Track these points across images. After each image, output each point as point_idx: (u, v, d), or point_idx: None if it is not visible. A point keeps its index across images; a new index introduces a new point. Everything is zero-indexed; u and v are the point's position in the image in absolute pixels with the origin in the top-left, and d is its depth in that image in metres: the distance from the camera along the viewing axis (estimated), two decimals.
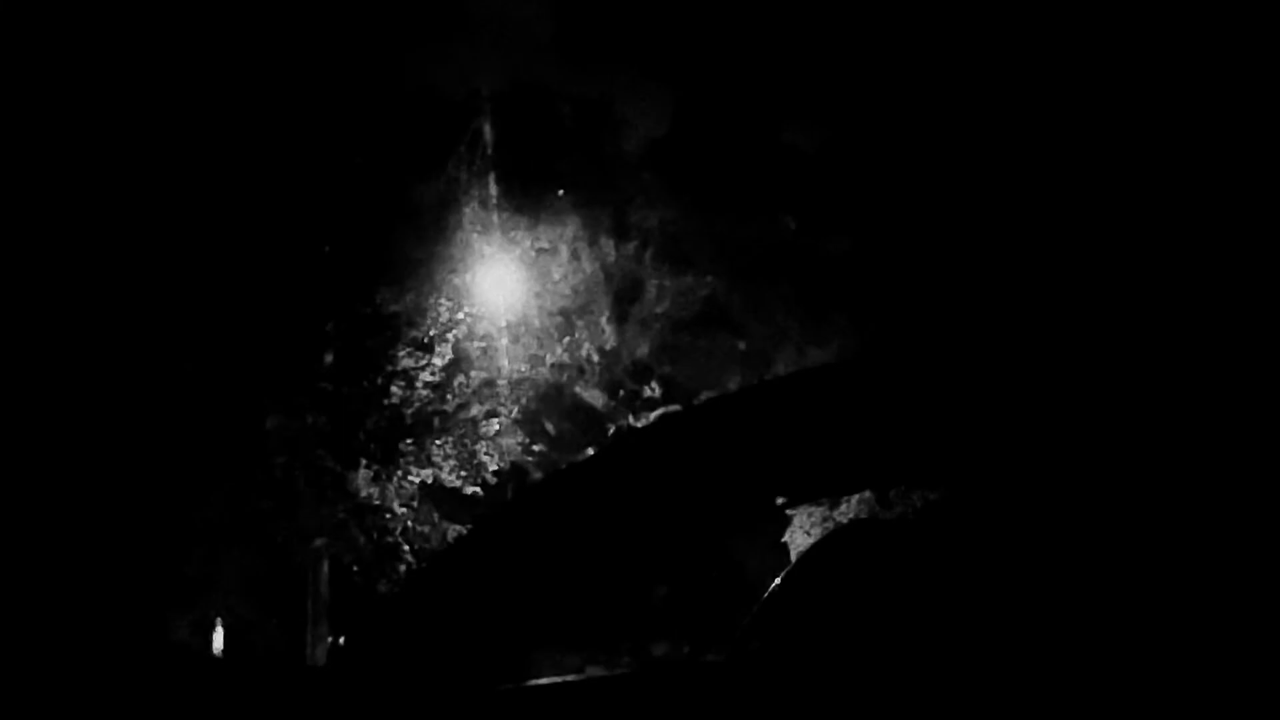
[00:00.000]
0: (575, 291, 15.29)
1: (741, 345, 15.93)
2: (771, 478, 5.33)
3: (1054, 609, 5.28)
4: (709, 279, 15.43)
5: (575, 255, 15.06)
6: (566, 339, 15.52)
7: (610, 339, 15.45)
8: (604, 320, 15.43)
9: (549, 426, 15.55)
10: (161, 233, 13.23)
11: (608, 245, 15.35)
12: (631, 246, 15.38)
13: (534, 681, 5.14)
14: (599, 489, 5.19)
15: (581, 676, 5.83)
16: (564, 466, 14.49)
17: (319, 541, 14.63)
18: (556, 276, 15.23)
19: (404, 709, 4.69)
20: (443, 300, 14.86)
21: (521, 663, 5.08)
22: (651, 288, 15.47)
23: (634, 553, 5.15)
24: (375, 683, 4.95)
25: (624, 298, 15.62)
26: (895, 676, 5.15)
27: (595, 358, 15.41)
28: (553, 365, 15.39)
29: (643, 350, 15.45)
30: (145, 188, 13.17)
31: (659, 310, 15.43)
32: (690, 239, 15.21)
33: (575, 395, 15.63)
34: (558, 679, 5.28)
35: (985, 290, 13.34)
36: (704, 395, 15.66)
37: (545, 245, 15.20)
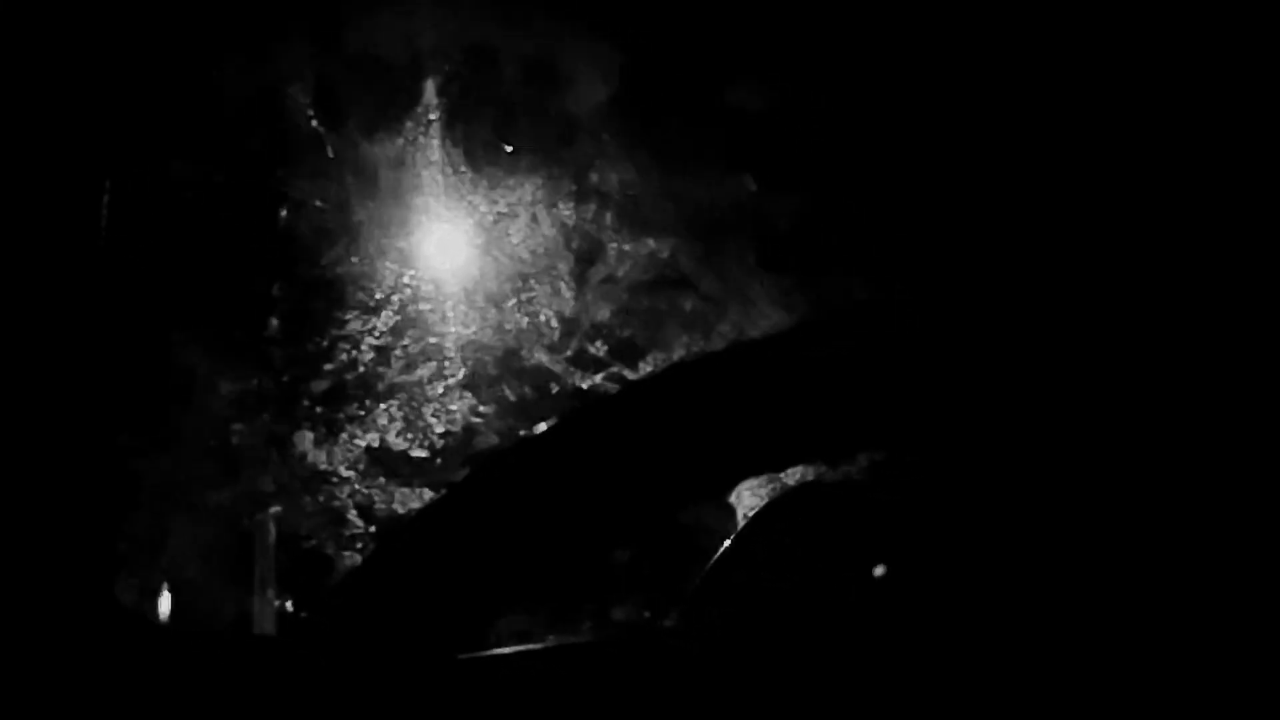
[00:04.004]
0: (533, 254, 15.20)
1: (688, 305, 15.87)
2: (739, 447, 5.28)
3: (1011, 572, 5.29)
4: (670, 240, 15.36)
5: (534, 219, 14.97)
6: (514, 301, 15.44)
7: (569, 303, 15.37)
8: (562, 284, 15.34)
9: (507, 391, 15.51)
10: (106, 197, 13.02)
11: (566, 208, 15.24)
12: (591, 210, 15.27)
13: (494, 650, 5.09)
14: (561, 458, 5.12)
15: (540, 645, 5.79)
16: (523, 434, 14.49)
17: (266, 505, 14.60)
18: (514, 239, 15.13)
19: (359, 678, 4.62)
20: (389, 263, 14.79)
21: (482, 631, 5.02)
22: (611, 251, 15.39)
23: (597, 522, 5.09)
24: (330, 651, 4.89)
25: (583, 260, 15.55)
26: (848, 640, 5.15)
27: (554, 322, 15.36)
28: (507, 329, 15.31)
29: (602, 314, 15.40)
30: (86, 153, 12.93)
31: (620, 273, 15.37)
32: (649, 201, 15.12)
33: (529, 358, 15.56)
34: (518, 648, 5.21)
35: (943, 252, 13.24)
36: (650, 354, 15.66)
37: (503, 209, 15.09)
